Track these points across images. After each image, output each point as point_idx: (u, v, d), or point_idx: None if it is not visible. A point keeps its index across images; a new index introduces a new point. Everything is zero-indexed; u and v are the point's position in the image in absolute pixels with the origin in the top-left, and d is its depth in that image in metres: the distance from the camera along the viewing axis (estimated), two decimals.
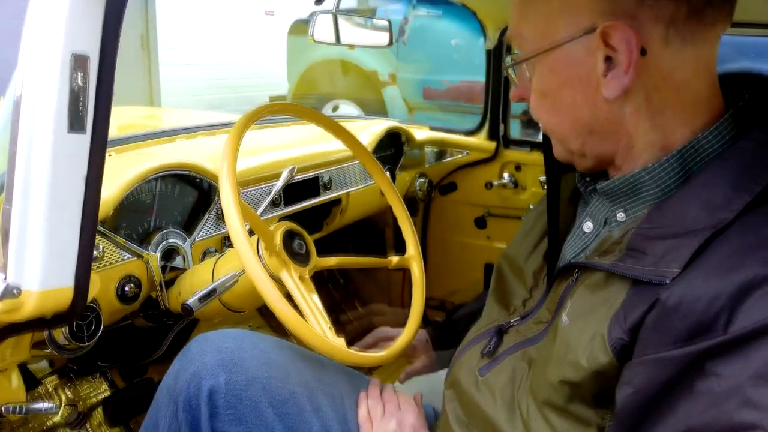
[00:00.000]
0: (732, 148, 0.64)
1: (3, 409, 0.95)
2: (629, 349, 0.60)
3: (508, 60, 0.77)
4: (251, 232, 0.98)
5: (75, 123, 0.69)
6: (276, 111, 1.00)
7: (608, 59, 0.64)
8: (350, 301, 2.22)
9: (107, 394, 1.41)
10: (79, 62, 0.67)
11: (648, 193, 0.69)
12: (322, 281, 2.18)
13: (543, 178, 1.86)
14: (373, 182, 1.69)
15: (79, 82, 0.68)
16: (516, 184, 1.93)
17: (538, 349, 0.75)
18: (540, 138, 2.29)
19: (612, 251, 0.68)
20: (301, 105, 1.04)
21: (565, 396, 0.66)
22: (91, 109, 0.69)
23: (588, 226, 0.77)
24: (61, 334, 0.94)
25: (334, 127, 1.11)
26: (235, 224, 0.83)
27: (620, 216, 0.72)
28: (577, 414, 0.66)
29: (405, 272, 2.25)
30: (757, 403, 0.51)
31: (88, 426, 1.38)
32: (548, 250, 0.82)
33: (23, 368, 1.24)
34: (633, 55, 0.62)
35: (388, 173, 1.48)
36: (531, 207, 1.91)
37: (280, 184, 1.21)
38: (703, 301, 0.55)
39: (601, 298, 0.65)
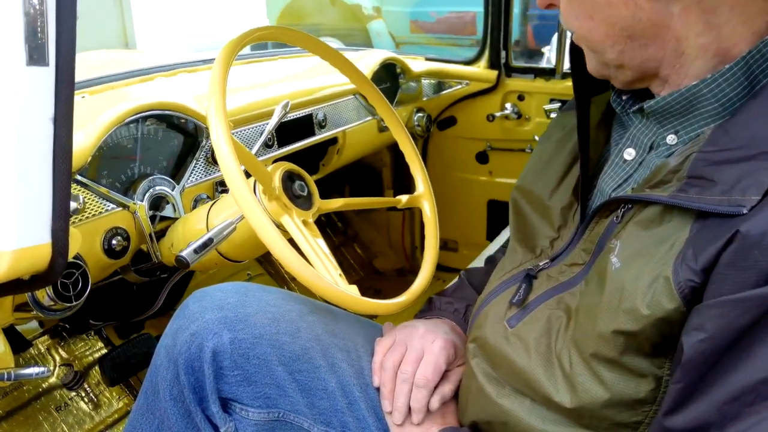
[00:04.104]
0: None
1: None
2: (699, 291, 0.53)
3: None
4: (247, 175, 0.89)
5: (34, 54, 0.59)
6: (265, 36, 0.88)
7: None
8: (350, 245, 2.16)
9: (103, 351, 1.36)
10: None
11: (706, 109, 0.60)
12: (320, 226, 2.10)
13: (548, 106, 1.76)
14: (369, 119, 1.59)
15: (35, 3, 0.58)
16: (519, 115, 1.84)
17: (576, 296, 0.68)
18: (544, 63, 2.19)
19: (668, 181, 0.59)
20: (293, 29, 0.93)
21: (619, 347, 0.59)
22: (53, 36, 0.60)
23: (629, 153, 0.69)
24: (45, 295, 0.87)
25: (331, 54, 1.00)
26: (230, 165, 0.74)
27: (670, 139, 0.64)
28: (631, 365, 0.59)
29: (404, 214, 2.19)
30: None
31: (86, 385, 1.33)
32: (581, 184, 0.73)
33: (11, 330, 1.18)
34: None
35: None
36: (536, 138, 1.83)
37: (274, 121, 1.11)
38: None
39: (657, 236, 0.58)
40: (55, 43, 0.59)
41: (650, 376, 0.59)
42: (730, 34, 0.58)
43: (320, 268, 0.80)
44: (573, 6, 0.63)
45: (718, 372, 0.51)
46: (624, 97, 0.70)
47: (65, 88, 0.60)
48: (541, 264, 0.75)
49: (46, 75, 0.59)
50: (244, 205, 0.74)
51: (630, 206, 0.64)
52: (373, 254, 2.18)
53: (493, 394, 0.71)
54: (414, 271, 2.26)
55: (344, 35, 4.80)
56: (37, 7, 0.58)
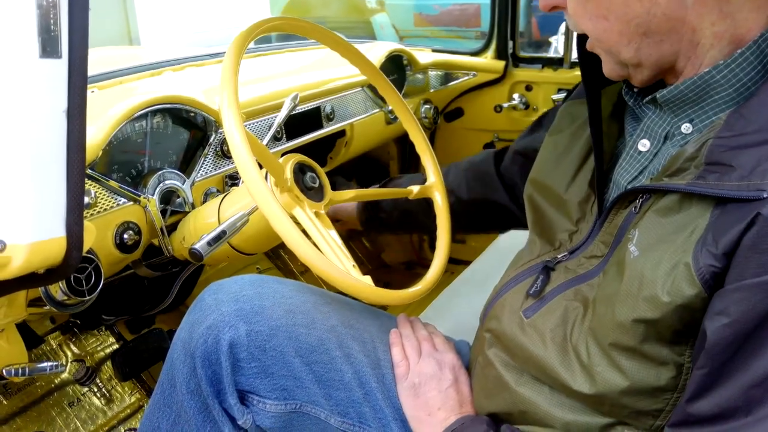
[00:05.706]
0: None
1: (5, 372, 0.88)
2: (721, 276, 0.53)
3: None
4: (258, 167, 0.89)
5: (48, 46, 0.59)
6: (276, 27, 0.88)
7: None
8: (357, 238, 2.15)
9: (115, 347, 1.36)
10: None
11: (720, 96, 0.60)
12: None
13: (556, 96, 1.75)
14: (376, 111, 1.58)
15: None
16: (527, 106, 1.83)
17: (594, 287, 0.67)
18: (551, 53, 2.17)
19: (686, 169, 0.59)
20: (304, 20, 0.92)
21: (639, 335, 0.59)
22: (65, 28, 0.59)
23: (644, 144, 0.68)
24: (58, 290, 0.87)
25: (341, 45, 1.00)
26: (244, 156, 0.73)
27: (685, 128, 0.64)
28: (651, 354, 0.59)
29: None
30: None
31: (98, 381, 1.33)
32: (596, 177, 0.73)
33: (24, 326, 1.18)
34: None
35: None
36: None
37: (283, 113, 1.11)
38: None
39: (676, 223, 0.58)
40: (68, 36, 0.59)
41: (671, 363, 0.59)
42: (744, 21, 0.58)
43: (334, 260, 0.79)
44: (586, 7, 0.63)
45: (742, 356, 0.51)
46: (635, 89, 0.70)
47: (78, 81, 0.60)
48: (559, 256, 0.75)
49: (59, 67, 0.59)
50: (258, 196, 0.74)
51: (648, 196, 0.64)
52: (381, 247, 2.17)
53: (512, 383, 0.71)
54: (422, 263, 2.25)
55: (348, 28, 4.78)
56: (50, 0, 0.58)
